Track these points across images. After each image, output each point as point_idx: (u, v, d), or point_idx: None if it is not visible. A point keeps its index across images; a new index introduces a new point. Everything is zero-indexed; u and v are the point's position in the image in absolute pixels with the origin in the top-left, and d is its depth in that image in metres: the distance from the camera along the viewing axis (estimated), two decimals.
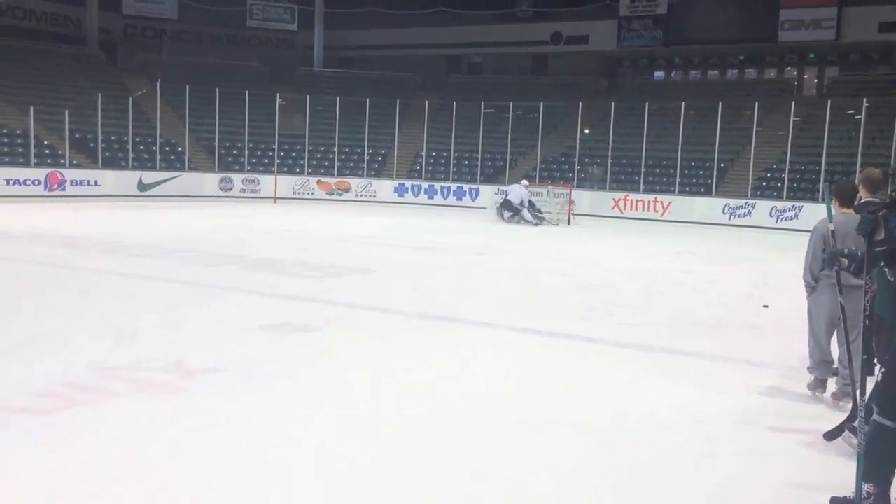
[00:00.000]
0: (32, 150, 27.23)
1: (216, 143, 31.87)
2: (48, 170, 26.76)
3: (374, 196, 31.97)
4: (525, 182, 25.13)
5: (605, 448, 4.91)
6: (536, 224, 23.07)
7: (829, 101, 26.98)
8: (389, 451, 4.70)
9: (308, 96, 33.26)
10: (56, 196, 26.01)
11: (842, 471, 4.39)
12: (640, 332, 8.34)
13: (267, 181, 31.01)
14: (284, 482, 4.21)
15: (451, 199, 31.24)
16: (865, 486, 3.87)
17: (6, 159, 26.86)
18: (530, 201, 23.73)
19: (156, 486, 4.10)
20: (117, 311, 8.51)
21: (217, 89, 30.99)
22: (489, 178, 31.97)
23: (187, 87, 30.95)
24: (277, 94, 33.09)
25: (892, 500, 3.88)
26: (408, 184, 32.45)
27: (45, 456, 4.44)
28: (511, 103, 32.32)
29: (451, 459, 4.62)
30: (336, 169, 33.01)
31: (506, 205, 23.70)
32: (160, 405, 5.38)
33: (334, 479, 4.28)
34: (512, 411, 5.55)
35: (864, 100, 26.31)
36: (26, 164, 26.86)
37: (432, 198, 31.68)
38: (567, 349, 7.62)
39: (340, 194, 31.94)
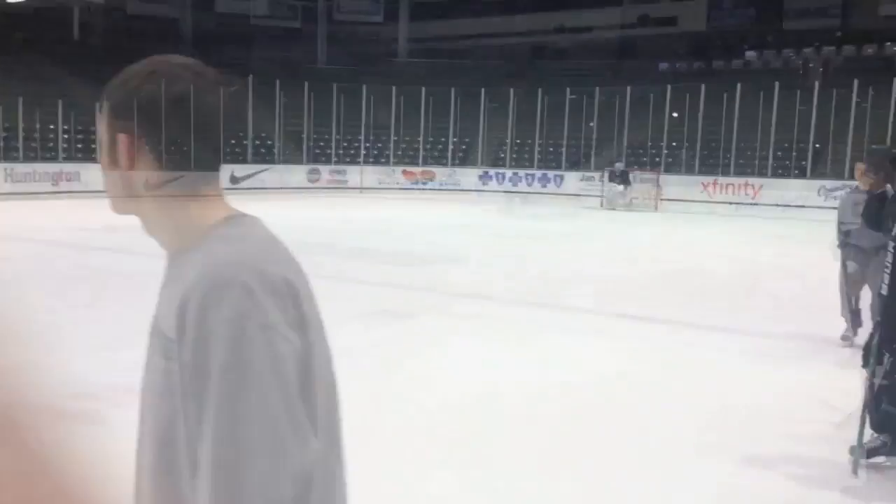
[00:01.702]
0: None
1: (304, 136, 32.57)
2: None
3: (458, 185, 32.14)
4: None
5: (712, 430, 4.89)
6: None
7: None
8: (498, 439, 4.79)
9: (394, 87, 33.62)
10: None
11: None
12: (740, 317, 8.23)
13: (353, 172, 31.54)
14: (388, 465, 4.34)
15: (536, 186, 31.15)
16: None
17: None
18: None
19: None
20: None
21: (305, 83, 31.62)
22: (574, 165, 31.73)
23: (277, 82, 31.66)
24: (364, 86, 33.54)
25: None
26: (492, 172, 32.51)
27: (100, 453, 4.67)
28: (597, 88, 31.98)
29: (560, 447, 4.68)
30: (421, 159, 33.30)
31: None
32: None
33: (441, 465, 4.39)
34: (618, 399, 5.57)
35: None
36: None
37: (517, 185, 31.65)
38: (666, 334, 7.58)
39: (425, 184, 32.23)
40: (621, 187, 23.55)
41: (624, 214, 22.14)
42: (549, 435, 4.81)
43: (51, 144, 27.33)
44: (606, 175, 25.20)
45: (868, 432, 4.24)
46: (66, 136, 27.59)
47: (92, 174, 26.15)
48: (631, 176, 24.34)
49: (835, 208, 25.64)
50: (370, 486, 4.01)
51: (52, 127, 27.53)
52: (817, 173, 27.36)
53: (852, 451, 4.22)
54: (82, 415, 4.91)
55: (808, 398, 5.60)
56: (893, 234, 3.98)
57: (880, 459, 4.26)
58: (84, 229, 15.45)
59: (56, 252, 12.65)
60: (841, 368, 6.21)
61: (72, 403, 5.09)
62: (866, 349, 4.27)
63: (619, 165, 24.84)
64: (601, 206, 23.73)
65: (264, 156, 31.85)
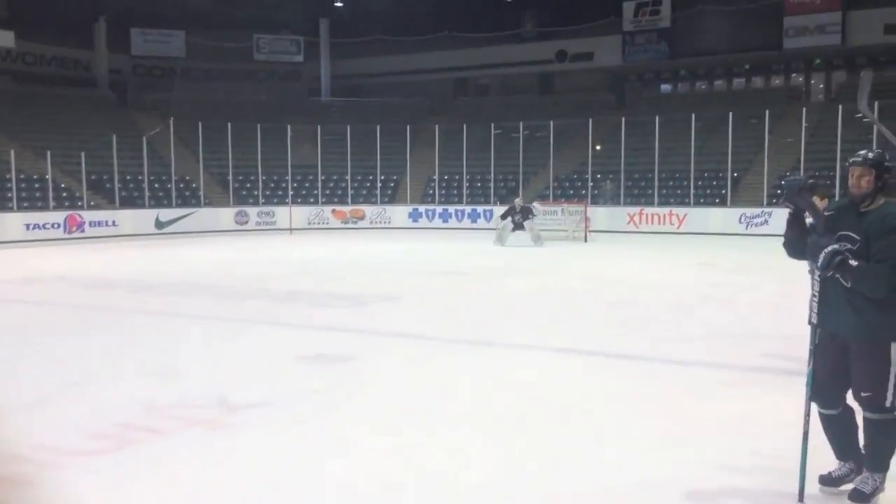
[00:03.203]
0: (51, 194, 27.51)
1: (230, 178, 32.16)
2: (67, 212, 27.03)
3: (389, 223, 32.12)
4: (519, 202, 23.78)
5: (656, 464, 4.90)
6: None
7: (839, 107, 26.98)
8: (441, 480, 4.71)
9: (318, 126, 33.53)
10: (76, 238, 26.23)
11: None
12: (676, 347, 8.35)
13: (282, 213, 31.21)
14: None
15: (466, 222, 31.33)
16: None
17: (25, 204, 27.16)
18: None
19: None
20: (155, 349, 8.58)
21: (229, 124, 31.30)
22: (503, 200, 32.03)
23: (199, 123, 31.25)
24: (288, 126, 33.32)
25: None
26: (422, 209, 32.60)
27: (108, 496, 4.47)
28: (521, 123, 32.50)
29: (510, 482, 4.63)
30: (350, 197, 33.20)
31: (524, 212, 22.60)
32: (212, 442, 5.42)
33: None
34: (561, 432, 5.56)
35: (875, 102, 26.25)
36: (45, 207, 27.14)
37: (447, 221, 31.79)
38: (605, 367, 7.63)
39: (355, 222, 32.11)
40: (525, 223, 22.32)
41: (553, 246, 22.35)
42: (497, 474, 4.76)
43: None
44: (503, 211, 24.02)
45: (835, 462, 4.31)
46: None
47: (10, 224, 25.29)
48: (534, 211, 23.05)
49: (756, 235, 26.16)
50: None
51: None
52: (737, 201, 28.26)
53: (821, 479, 4.29)
54: (13, 478, 4.67)
55: (749, 428, 5.68)
56: (818, 263, 4.08)
57: (850, 487, 4.28)
58: (1, 281, 14.86)
59: None
60: (779, 398, 6.33)
61: (2, 467, 4.84)
62: (810, 377, 4.32)
63: (519, 202, 23.45)
64: (493, 242, 22.45)
65: (189, 199, 31.27)
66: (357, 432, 5.60)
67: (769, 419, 5.77)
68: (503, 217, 23.12)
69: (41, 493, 4.51)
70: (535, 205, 24.21)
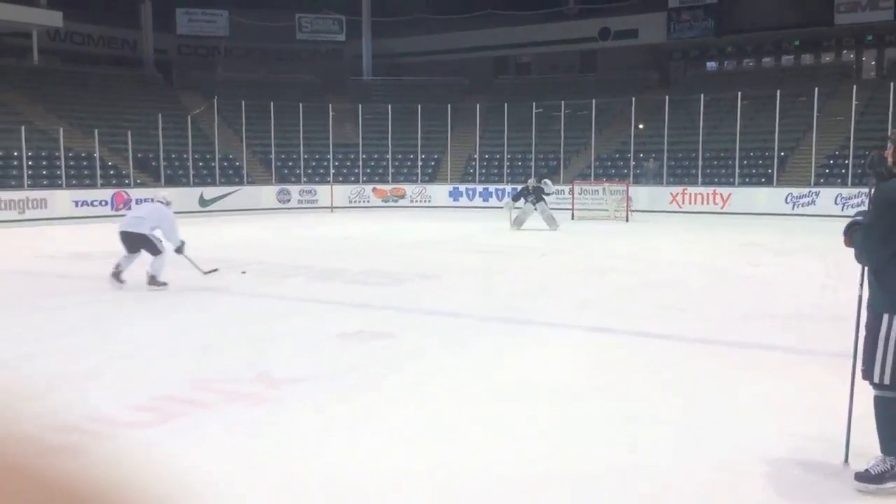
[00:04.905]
0: (98, 172, 28.04)
1: (272, 156, 32.48)
2: (114, 190, 27.55)
3: (429, 201, 32.20)
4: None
5: (694, 443, 4.90)
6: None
7: (891, 84, 26.31)
8: (483, 456, 4.76)
9: (360, 105, 33.67)
10: (122, 215, 26.61)
11: None
12: (715, 328, 8.28)
13: (323, 191, 31.44)
14: (382, 490, 4.29)
15: (507, 201, 31.22)
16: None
17: (74, 182, 27.71)
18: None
19: (265, 494, 4.23)
20: (199, 324, 8.75)
21: (271, 103, 31.57)
22: (544, 178, 31.86)
23: (243, 102, 31.57)
24: (330, 105, 33.53)
25: None
26: (462, 187, 32.60)
27: (153, 466, 4.59)
28: (562, 102, 32.25)
29: (548, 460, 4.66)
30: (390, 176, 33.32)
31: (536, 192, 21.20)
32: (253, 415, 5.52)
33: (429, 487, 4.36)
34: (597, 411, 5.56)
35: None
36: (93, 185, 27.67)
37: (487, 200, 31.76)
38: (645, 347, 7.60)
39: (396, 201, 32.25)
40: (537, 205, 21.02)
41: (593, 225, 22.21)
42: (534, 452, 4.79)
43: (15, 172, 26.93)
44: (516, 192, 22.65)
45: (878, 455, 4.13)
46: (30, 162, 27.21)
47: (60, 200, 25.84)
48: (545, 189, 21.51)
49: (803, 215, 25.64)
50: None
51: (15, 154, 27.16)
52: (784, 181, 27.79)
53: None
54: (63, 447, 4.82)
55: (790, 409, 5.63)
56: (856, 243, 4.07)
57: (890, 485, 4.01)
58: (51, 257, 15.22)
59: (23, 281, 12.44)
60: (822, 378, 6.27)
61: (54, 436, 5.00)
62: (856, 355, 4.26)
63: (532, 181, 21.99)
64: (510, 227, 21.22)
65: (232, 177, 31.67)
66: (395, 408, 5.68)
67: (811, 400, 5.72)
68: (515, 199, 21.94)
69: (90, 462, 4.65)
70: (547, 181, 22.44)
